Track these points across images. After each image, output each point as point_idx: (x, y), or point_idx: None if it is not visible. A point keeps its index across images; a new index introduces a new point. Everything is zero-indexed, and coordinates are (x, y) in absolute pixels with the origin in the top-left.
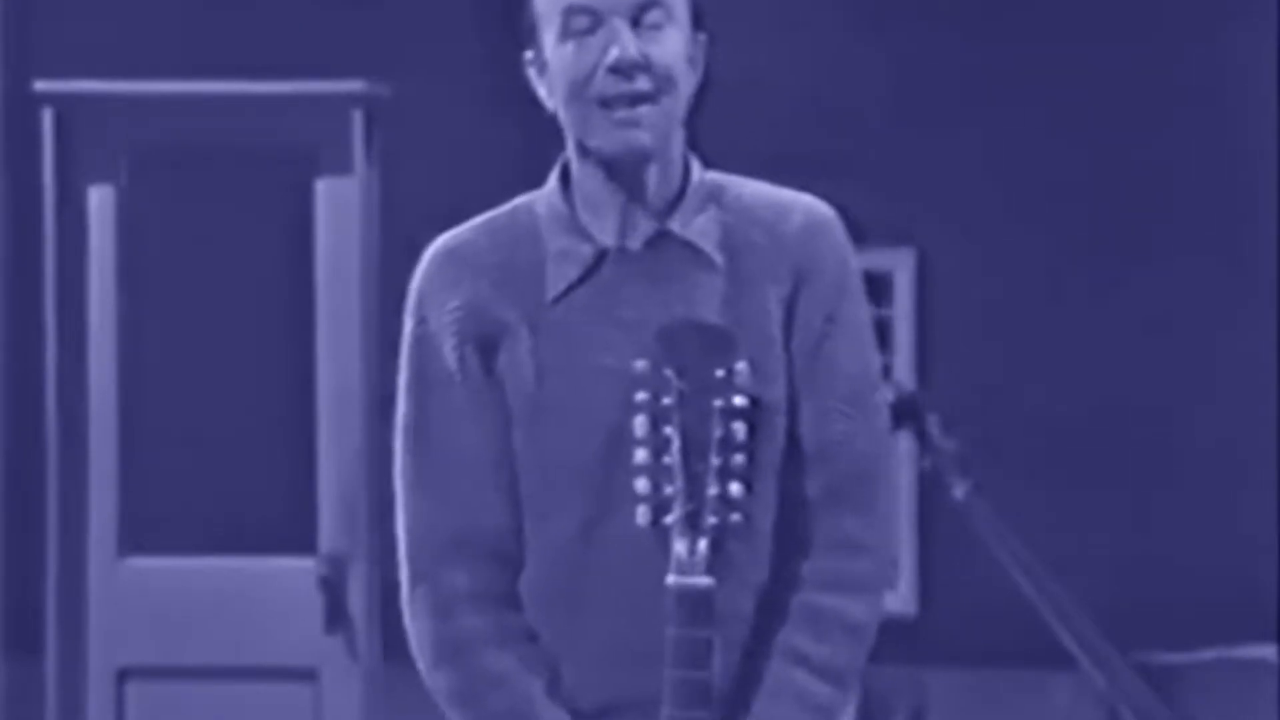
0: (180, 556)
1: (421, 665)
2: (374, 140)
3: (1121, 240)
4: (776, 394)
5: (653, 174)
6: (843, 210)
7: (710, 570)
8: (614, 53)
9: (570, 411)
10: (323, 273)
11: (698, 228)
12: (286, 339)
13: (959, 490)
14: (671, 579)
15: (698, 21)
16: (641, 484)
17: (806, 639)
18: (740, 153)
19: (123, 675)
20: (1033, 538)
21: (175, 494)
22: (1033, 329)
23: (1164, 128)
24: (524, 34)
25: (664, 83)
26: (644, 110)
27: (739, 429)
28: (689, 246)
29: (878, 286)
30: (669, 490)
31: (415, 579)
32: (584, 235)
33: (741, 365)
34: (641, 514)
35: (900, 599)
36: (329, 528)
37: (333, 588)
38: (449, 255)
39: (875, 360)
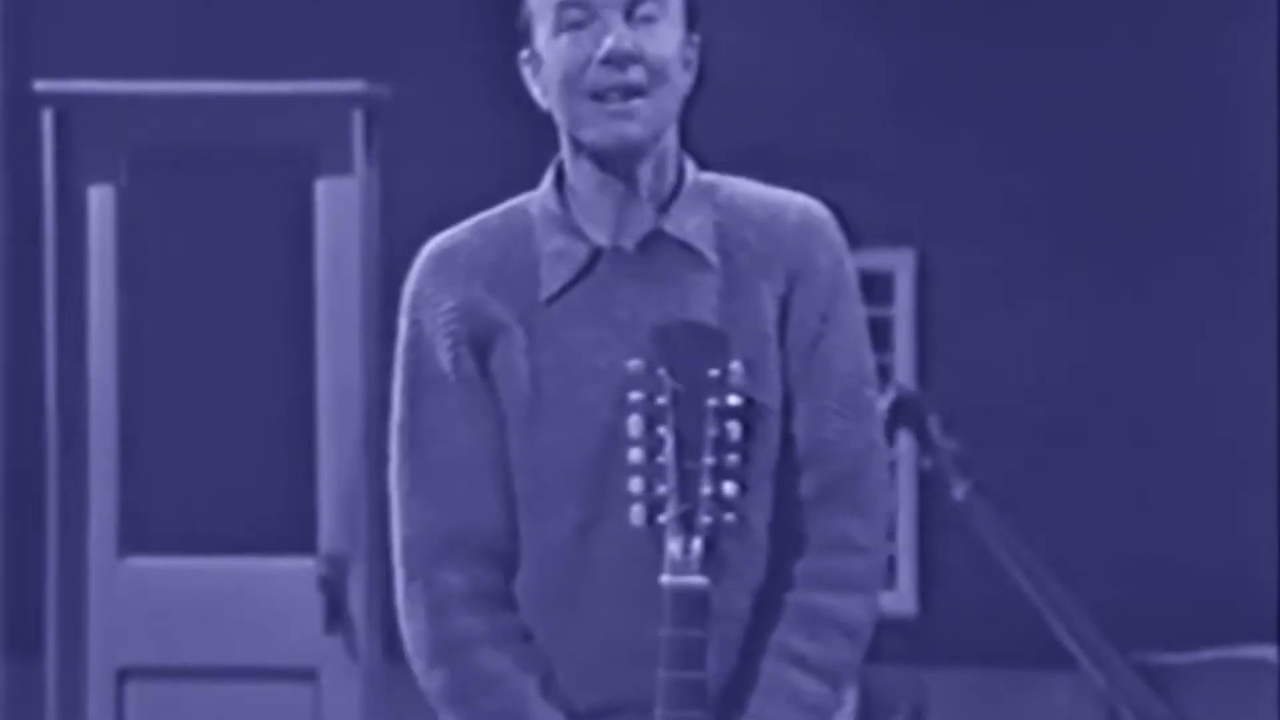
0: (180, 556)
1: (416, 666)
2: (374, 140)
3: (1121, 240)
4: (771, 394)
5: (646, 172)
6: (843, 210)
7: (705, 570)
8: (607, 43)
9: (565, 411)
10: (323, 273)
11: (692, 227)
12: (286, 339)
13: (959, 490)
14: (666, 579)
15: (692, 23)
16: (636, 484)
17: (800, 638)
18: (740, 152)
19: (123, 675)
20: (1033, 538)
21: (175, 494)
22: (1033, 329)
23: (1164, 128)
24: (519, 33)
25: (657, 75)
26: (636, 103)
27: (733, 429)
28: (683, 246)
29: (878, 286)
30: (663, 490)
31: (410, 579)
32: (578, 235)
33: (736, 365)
34: (636, 514)
35: (900, 599)
36: (329, 528)
37: (333, 588)
38: (443, 256)
39: (870, 360)
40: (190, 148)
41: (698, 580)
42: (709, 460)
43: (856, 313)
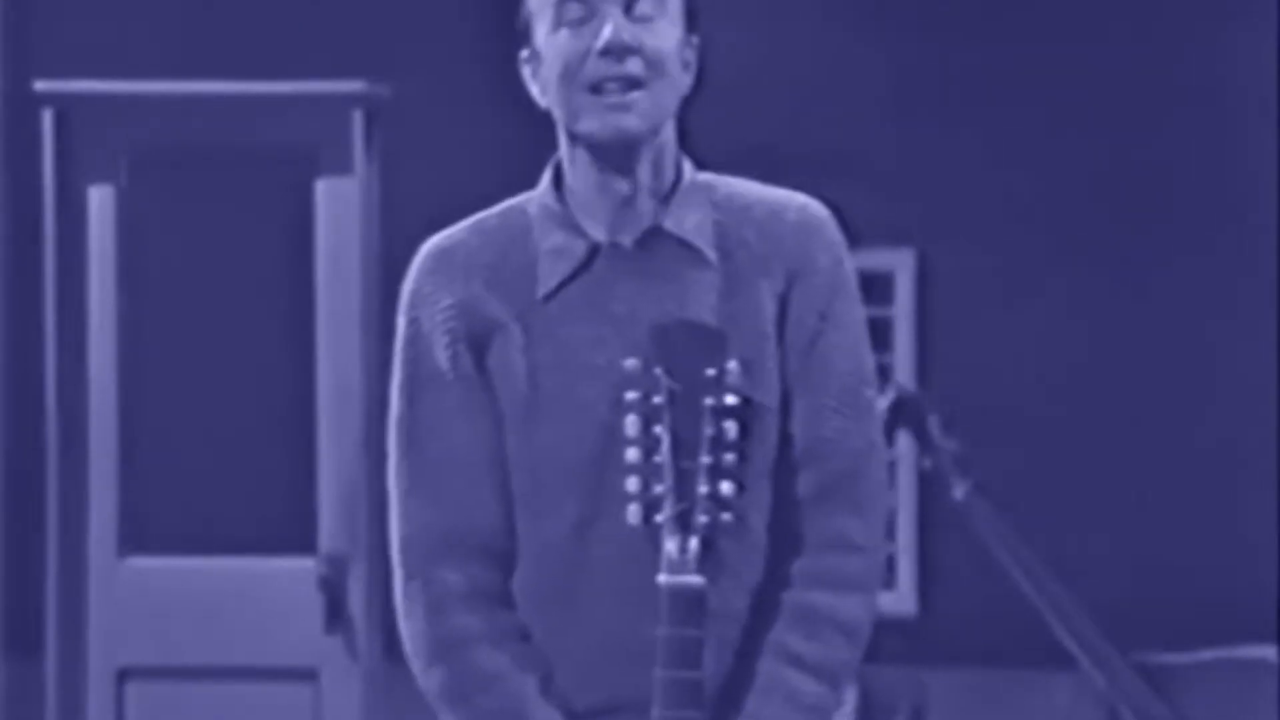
0: (180, 556)
1: (415, 665)
2: (374, 140)
3: (1121, 240)
4: (770, 393)
5: (645, 168)
6: (843, 210)
7: (702, 569)
8: (605, 34)
9: (562, 409)
10: (323, 273)
11: (691, 224)
12: (286, 339)
13: (959, 490)
14: (663, 578)
15: (692, 24)
16: (632, 483)
17: (798, 638)
18: (740, 152)
19: (123, 675)
20: (1033, 538)
21: (175, 494)
22: (1032, 329)
23: (1164, 128)
24: (518, 33)
25: (655, 69)
26: (634, 96)
27: (730, 428)
28: (682, 243)
29: (878, 286)
30: (659, 489)
31: (408, 577)
32: (576, 231)
33: (733, 364)
34: (633, 513)
35: (900, 599)
36: (329, 528)
37: (333, 588)
38: (440, 255)
39: (869, 359)
40: (190, 148)
41: (694, 579)
42: (706, 459)
43: (855, 312)
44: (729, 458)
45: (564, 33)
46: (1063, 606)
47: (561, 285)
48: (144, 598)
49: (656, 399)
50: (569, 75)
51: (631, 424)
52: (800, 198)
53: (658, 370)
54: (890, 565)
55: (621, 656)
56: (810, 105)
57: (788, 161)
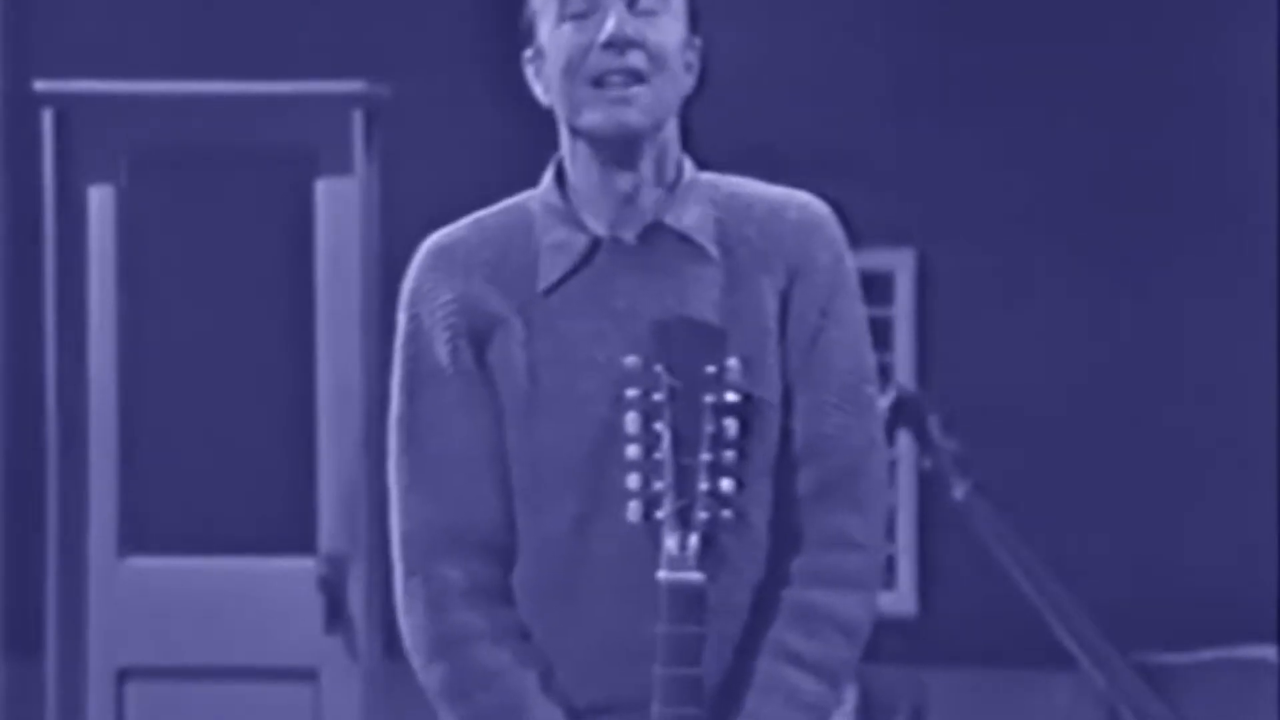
0: (180, 556)
1: (415, 661)
2: (374, 140)
3: (1122, 240)
4: (771, 389)
5: (647, 164)
6: (843, 210)
7: (703, 566)
8: (609, 27)
9: (562, 404)
10: (323, 273)
11: (693, 220)
12: (286, 339)
13: (959, 490)
14: (662, 574)
15: (694, 25)
16: (633, 480)
17: (797, 636)
18: (740, 152)
19: (123, 675)
20: (1033, 538)
21: (175, 494)
22: (1033, 329)
23: (1164, 128)
24: (522, 32)
25: (658, 63)
26: (636, 90)
27: (730, 425)
28: (683, 239)
29: (878, 286)
30: (659, 486)
31: (409, 573)
32: (578, 226)
33: (733, 361)
34: (633, 510)
35: (900, 599)
36: (329, 528)
37: (333, 588)
38: (441, 251)
39: (870, 356)
40: (190, 148)
41: (694, 576)
42: (706, 456)
43: (856, 309)
44: (729, 455)
45: (567, 27)
46: (1063, 606)
47: (562, 279)
48: (144, 598)
49: (657, 396)
50: (572, 69)
51: (632, 421)
52: (801, 196)
53: (658, 367)
54: (890, 565)
55: (621, 653)
56: (810, 105)
57: (788, 161)
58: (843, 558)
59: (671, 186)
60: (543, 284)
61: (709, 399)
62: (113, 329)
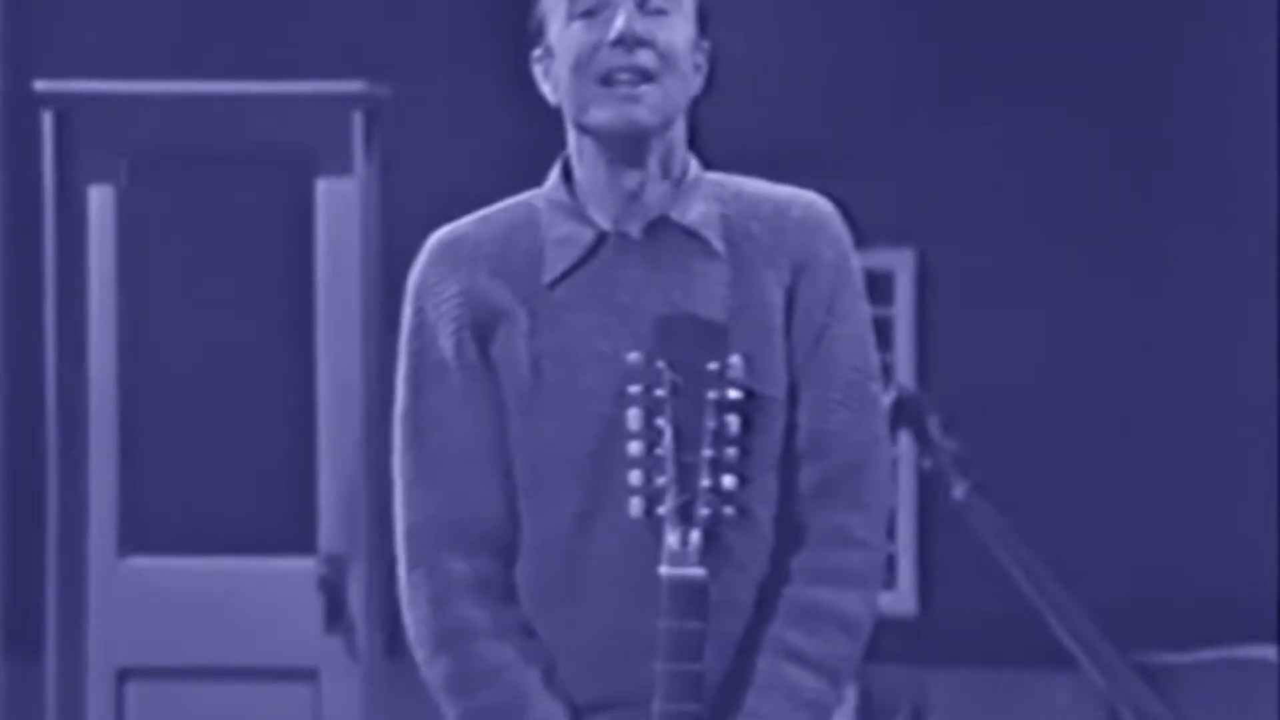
0: (180, 556)
1: (418, 655)
2: (374, 140)
3: (1122, 240)
4: (777, 385)
5: (653, 162)
6: (843, 210)
7: (705, 561)
8: (618, 24)
9: (565, 398)
10: (323, 273)
11: (698, 216)
12: (286, 339)
13: (959, 490)
14: (664, 570)
15: (703, 27)
16: (635, 475)
17: (797, 633)
18: (740, 151)
19: (123, 675)
20: (1033, 538)
21: (175, 494)
22: (1033, 329)
23: (1164, 128)
24: (531, 32)
25: (666, 62)
26: (645, 89)
27: (732, 421)
28: (689, 234)
29: (878, 286)
30: (661, 481)
31: (412, 566)
32: (584, 221)
33: (735, 358)
34: (635, 506)
35: (900, 599)
36: (329, 528)
37: (333, 588)
38: (447, 246)
39: (874, 354)
40: (190, 148)
41: (696, 572)
42: (708, 453)
43: (861, 307)
44: (731, 451)
45: (577, 25)
46: (1063, 606)
47: (568, 273)
48: (144, 598)
49: (659, 392)
50: (581, 66)
51: (634, 417)
52: (806, 194)
53: (660, 363)
54: (890, 565)
55: (623, 649)
56: (810, 105)
57: (788, 161)
58: (845, 555)
59: (677, 183)
60: (548, 277)
61: (711, 395)
62: (113, 329)
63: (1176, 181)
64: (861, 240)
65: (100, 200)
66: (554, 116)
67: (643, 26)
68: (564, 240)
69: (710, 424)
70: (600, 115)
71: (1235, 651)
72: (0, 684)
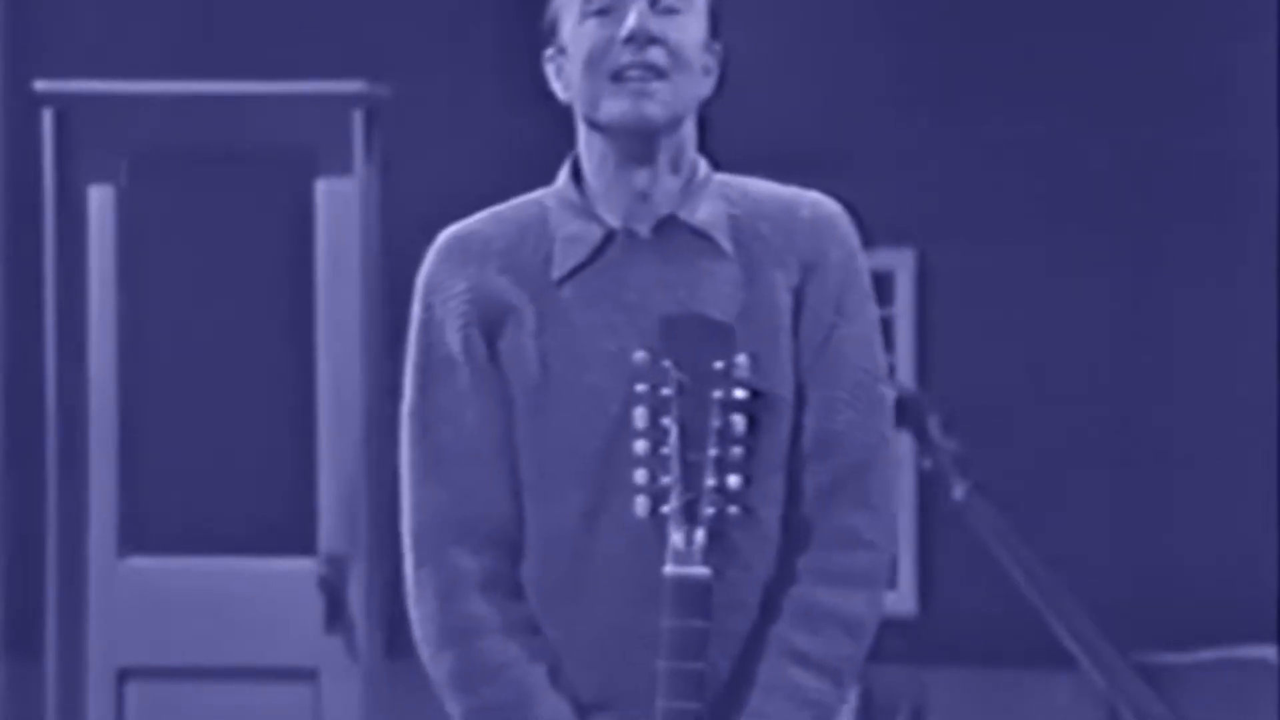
0: (180, 556)
1: (424, 652)
2: (374, 140)
3: (1122, 240)
4: (785, 384)
5: (663, 160)
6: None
7: (709, 561)
8: (630, 22)
9: (572, 395)
10: (323, 273)
11: (706, 216)
12: (286, 339)
13: (959, 490)
14: (668, 569)
15: (715, 30)
16: (640, 474)
17: (801, 634)
18: (740, 152)
19: (123, 675)
20: (1033, 538)
21: (175, 494)
22: (1032, 329)
23: (1164, 128)
24: (544, 31)
25: (677, 60)
26: (656, 84)
27: (737, 421)
28: (698, 234)
29: (878, 286)
30: (667, 480)
31: (419, 563)
32: (593, 218)
33: (741, 358)
34: (640, 504)
35: (900, 599)
36: (329, 528)
37: (333, 588)
38: (456, 243)
39: (882, 354)
40: (190, 148)
41: (700, 571)
42: (713, 452)
43: (869, 307)
44: (736, 451)
45: (590, 23)
46: (1063, 606)
47: (576, 270)
48: (144, 598)
49: (665, 391)
50: (593, 63)
51: (640, 416)
52: (814, 195)
53: (666, 362)
54: (890, 565)
55: (626, 647)
56: (810, 105)
57: (788, 161)
58: (850, 556)
59: (687, 183)
60: (556, 274)
61: (717, 395)
62: (113, 329)
63: (1176, 181)
64: (861, 240)
65: (100, 200)
66: (554, 117)
67: (655, 25)
68: (572, 238)
69: (716, 423)
70: (611, 110)
71: (1235, 651)
72: (0, 684)
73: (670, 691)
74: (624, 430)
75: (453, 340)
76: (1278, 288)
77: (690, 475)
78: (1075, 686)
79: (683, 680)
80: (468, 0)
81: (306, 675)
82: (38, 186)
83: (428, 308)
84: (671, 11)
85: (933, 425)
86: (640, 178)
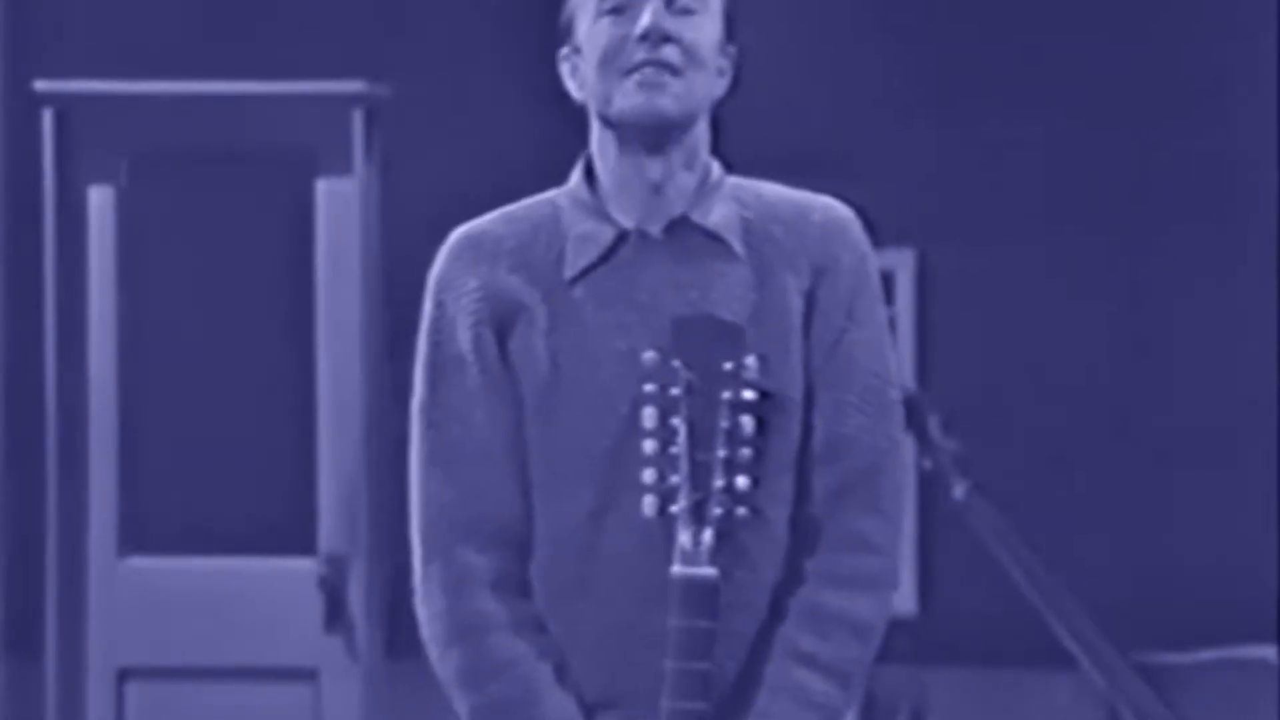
0: (180, 556)
1: (432, 651)
2: (374, 140)
3: (1121, 241)
4: (795, 387)
5: (676, 156)
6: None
7: (717, 561)
8: (645, 20)
9: (582, 395)
10: (323, 273)
11: (718, 217)
12: (286, 339)
13: (959, 490)
14: (675, 569)
15: (731, 32)
16: (648, 474)
17: (809, 636)
18: (741, 152)
19: (123, 675)
20: (1033, 538)
21: (175, 494)
22: (1033, 329)
23: (1164, 128)
24: (560, 31)
25: (691, 58)
26: (669, 79)
27: (746, 422)
28: (710, 235)
29: None
30: (675, 480)
31: (428, 559)
32: (606, 218)
33: (751, 359)
34: (648, 504)
35: (900, 599)
36: (329, 528)
37: (333, 588)
38: (468, 242)
39: (892, 360)
40: (190, 148)
41: (707, 571)
42: (722, 453)
43: (879, 312)
44: (745, 452)
45: (605, 21)
46: (1063, 606)
47: (587, 270)
48: (144, 598)
49: (674, 391)
50: (607, 60)
51: (649, 416)
52: (825, 199)
53: (676, 362)
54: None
55: (633, 646)
56: (810, 105)
57: (788, 162)
58: (858, 559)
59: (700, 184)
60: (568, 274)
61: (726, 395)
62: (113, 329)
63: (1176, 181)
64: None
65: (100, 200)
66: (554, 116)
67: (670, 23)
68: (584, 238)
69: (725, 424)
70: (624, 105)
71: (1235, 651)
72: (0, 684)
73: (676, 692)
74: (633, 430)
75: (463, 338)
76: (1278, 288)
77: (699, 475)
78: (1075, 686)
79: (689, 681)
80: (468, 0)
81: (306, 675)
82: (38, 186)
83: (439, 306)
84: (687, 12)
85: (933, 425)
86: (653, 169)
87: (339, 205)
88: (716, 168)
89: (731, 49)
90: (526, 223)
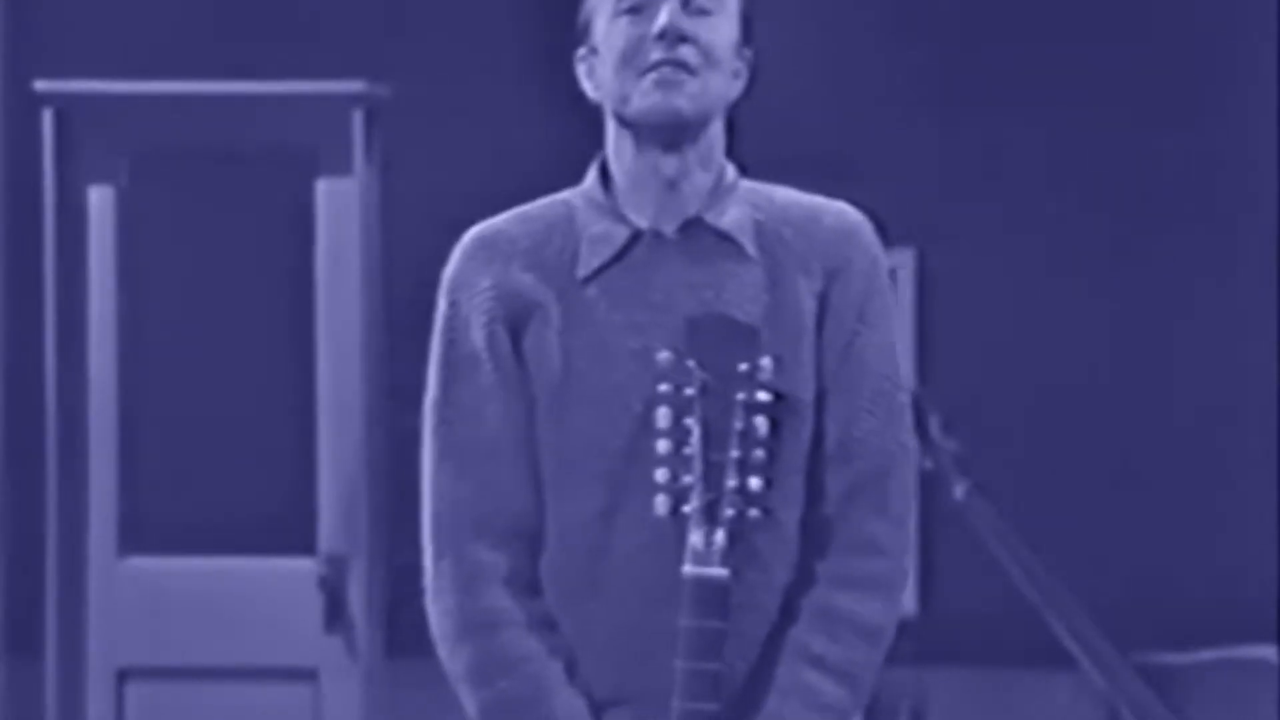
0: (180, 556)
1: (443, 645)
2: (374, 140)
3: (1121, 241)
4: (807, 389)
5: (691, 155)
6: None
7: (728, 562)
8: (662, 19)
9: (595, 395)
10: (323, 273)
11: (732, 219)
12: (286, 339)
13: (959, 490)
14: (687, 569)
15: (747, 35)
16: (661, 474)
17: (818, 638)
18: (741, 153)
19: (123, 675)
20: (1033, 538)
21: (175, 494)
22: (1033, 329)
23: (1164, 128)
24: (578, 31)
25: (708, 59)
26: (685, 78)
27: (760, 423)
28: (722, 236)
29: None
30: (687, 480)
31: (439, 555)
32: (620, 218)
33: (765, 360)
34: (660, 503)
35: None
36: (329, 528)
37: (333, 588)
38: (482, 241)
39: (901, 364)
40: (190, 148)
41: (718, 572)
42: (735, 453)
43: (890, 315)
44: (758, 453)
45: (623, 20)
46: (1063, 606)
47: (601, 269)
48: (144, 598)
49: (688, 391)
50: (624, 60)
51: (663, 416)
52: (838, 204)
53: (690, 362)
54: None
55: (643, 646)
56: (810, 105)
57: (788, 162)
58: (868, 562)
59: (715, 184)
60: (582, 273)
61: (740, 396)
62: (113, 329)
63: (1176, 181)
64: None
65: (100, 200)
66: (555, 117)
67: (686, 24)
68: (599, 237)
69: (738, 425)
70: (641, 103)
71: (1235, 651)
72: (0, 684)
73: (686, 692)
74: (646, 429)
75: (477, 337)
76: (1278, 288)
77: (712, 476)
78: (1075, 686)
79: (699, 681)
80: (468, 0)
81: (306, 675)
82: (38, 186)
83: (453, 304)
84: (704, 13)
85: (933, 425)
86: (668, 165)
87: (339, 205)
88: (731, 170)
89: (748, 51)
90: (540, 222)
